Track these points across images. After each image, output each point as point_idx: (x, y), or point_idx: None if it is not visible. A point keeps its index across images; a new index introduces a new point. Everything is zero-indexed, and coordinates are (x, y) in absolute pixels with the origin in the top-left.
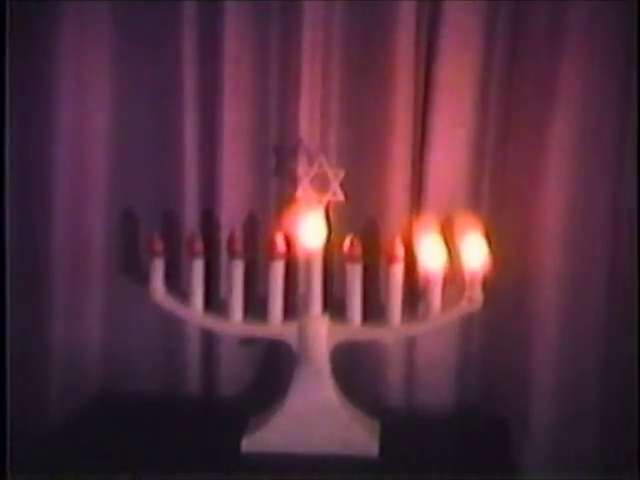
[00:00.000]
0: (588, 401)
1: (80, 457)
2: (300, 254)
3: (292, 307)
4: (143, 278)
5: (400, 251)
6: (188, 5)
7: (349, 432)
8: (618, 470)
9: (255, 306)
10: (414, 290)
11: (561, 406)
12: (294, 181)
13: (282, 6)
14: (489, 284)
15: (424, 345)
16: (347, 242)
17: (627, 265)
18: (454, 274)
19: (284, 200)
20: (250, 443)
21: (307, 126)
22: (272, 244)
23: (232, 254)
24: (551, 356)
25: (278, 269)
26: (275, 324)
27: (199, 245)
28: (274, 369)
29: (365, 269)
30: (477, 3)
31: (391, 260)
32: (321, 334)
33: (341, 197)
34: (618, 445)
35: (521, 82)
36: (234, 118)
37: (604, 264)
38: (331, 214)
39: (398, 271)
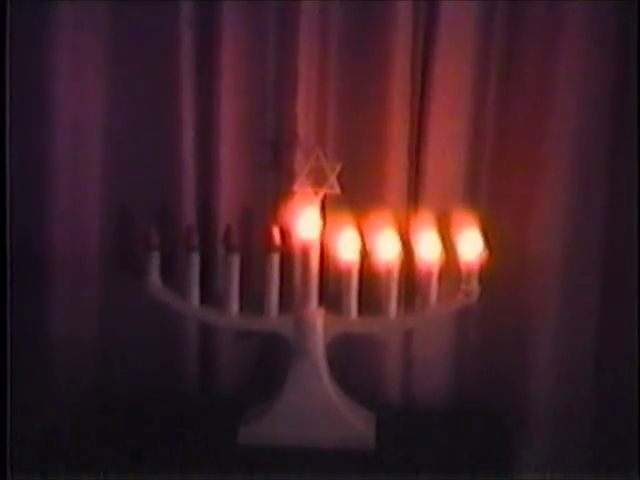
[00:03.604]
0: (587, 397)
1: (79, 455)
2: (296, 247)
3: (288, 300)
4: (139, 272)
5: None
6: (186, 4)
7: (345, 425)
8: (618, 470)
9: (251, 299)
10: (411, 283)
11: (559, 399)
12: (291, 174)
13: (279, 3)
14: (486, 277)
15: (421, 338)
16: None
17: (624, 258)
18: (451, 267)
19: (281, 193)
20: (247, 435)
21: (304, 120)
22: (268, 237)
23: (228, 247)
24: (549, 350)
25: (274, 262)
26: (271, 317)
27: (195, 238)
28: (270, 362)
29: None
30: (475, 1)
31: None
32: (317, 327)
33: (338, 190)
34: (618, 445)
35: (518, 77)
36: (231, 112)
37: (602, 258)
38: (328, 207)
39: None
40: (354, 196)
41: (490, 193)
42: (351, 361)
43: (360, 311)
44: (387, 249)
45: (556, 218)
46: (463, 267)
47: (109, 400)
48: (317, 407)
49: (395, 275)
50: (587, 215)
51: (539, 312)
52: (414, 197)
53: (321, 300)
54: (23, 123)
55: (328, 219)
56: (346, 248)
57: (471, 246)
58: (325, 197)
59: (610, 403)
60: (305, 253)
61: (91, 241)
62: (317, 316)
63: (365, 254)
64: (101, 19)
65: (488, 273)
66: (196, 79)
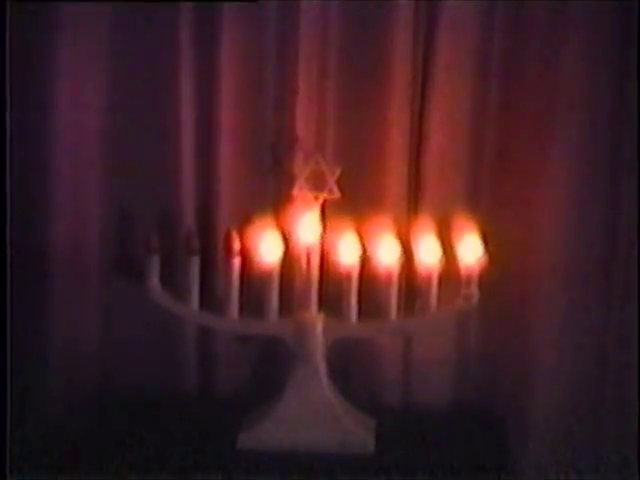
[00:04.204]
0: (587, 400)
1: (80, 456)
2: (296, 252)
3: (288, 304)
4: (139, 275)
5: (237, 244)
6: (186, 6)
7: (345, 429)
8: (618, 470)
9: (251, 303)
10: (411, 287)
11: (559, 402)
12: (291, 179)
13: (279, 5)
14: (487, 282)
15: (421, 343)
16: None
17: (625, 263)
18: (450, 271)
19: (281, 198)
20: (246, 440)
21: (304, 124)
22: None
23: (228, 252)
24: (549, 354)
25: (274, 266)
26: (271, 321)
27: (195, 242)
28: (270, 366)
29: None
30: (475, 2)
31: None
32: (317, 331)
33: (337, 195)
34: (618, 445)
35: (520, 80)
36: (231, 116)
37: (603, 261)
38: (327, 212)
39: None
40: (354, 200)
41: (490, 197)
42: (351, 366)
43: (360, 316)
44: (387, 253)
45: (557, 222)
46: (463, 271)
47: (109, 403)
48: (317, 411)
49: (395, 279)
50: (588, 219)
51: (540, 316)
52: (414, 201)
53: (321, 304)
54: (23, 125)
55: (328, 223)
56: (346, 252)
57: (471, 250)
58: (325, 201)
59: (610, 404)
60: (305, 257)
61: (91, 244)
62: (317, 320)
63: (365, 258)
64: (101, 20)
65: (488, 277)
66: (196, 82)
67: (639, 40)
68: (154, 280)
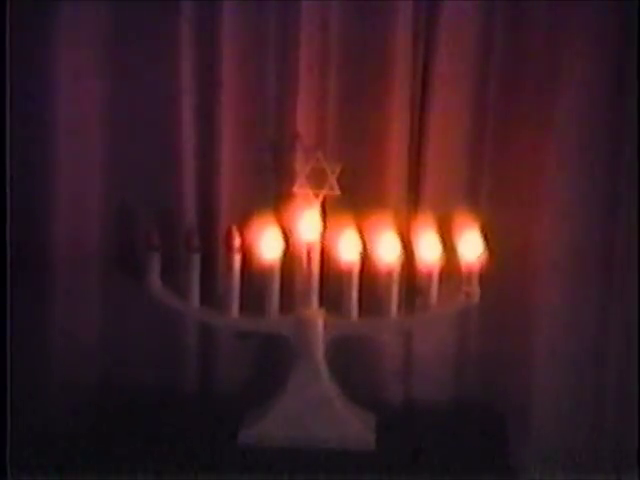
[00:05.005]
0: (587, 398)
1: (79, 455)
2: (297, 249)
3: (289, 301)
4: (140, 273)
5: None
6: (186, 3)
7: (345, 426)
8: (618, 470)
9: (252, 300)
10: (411, 284)
11: (560, 400)
12: (291, 176)
13: (280, 4)
14: (488, 279)
15: (421, 339)
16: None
17: (625, 260)
18: (451, 268)
19: (281, 195)
20: (247, 437)
21: (304, 121)
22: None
23: (229, 249)
24: (549, 351)
25: (275, 263)
26: (272, 318)
27: (196, 240)
28: (271, 363)
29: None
30: (475, 2)
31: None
32: (318, 328)
33: (338, 192)
34: (618, 445)
35: (520, 79)
36: (232, 113)
37: (603, 258)
38: (328, 209)
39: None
40: (354, 197)
41: (491, 194)
42: (352, 362)
43: (361, 312)
44: (388, 250)
45: (557, 219)
46: (464, 268)
47: (109, 400)
48: (317, 408)
49: (396, 276)
50: (588, 217)
51: (540, 313)
52: (414, 198)
53: (322, 301)
54: (24, 124)
55: (328, 220)
56: (346, 249)
57: (472, 247)
58: (325, 198)
59: (610, 403)
60: (306, 254)
61: (92, 242)
62: (318, 317)
63: (366, 255)
64: (101, 19)
65: (489, 274)
66: (196, 80)
67: (639, 40)
68: (155, 277)
